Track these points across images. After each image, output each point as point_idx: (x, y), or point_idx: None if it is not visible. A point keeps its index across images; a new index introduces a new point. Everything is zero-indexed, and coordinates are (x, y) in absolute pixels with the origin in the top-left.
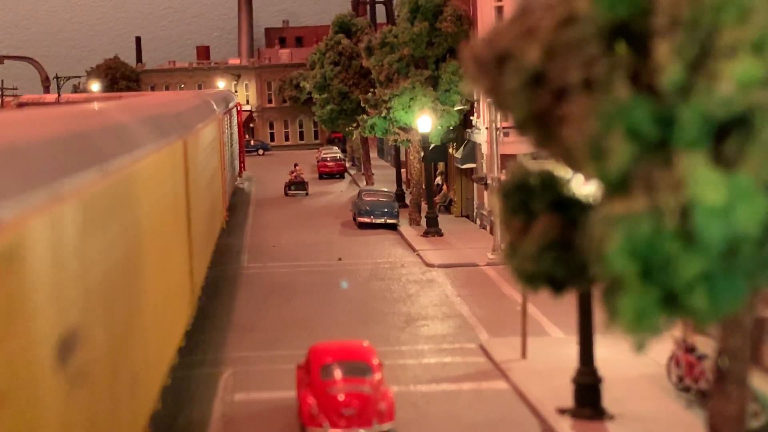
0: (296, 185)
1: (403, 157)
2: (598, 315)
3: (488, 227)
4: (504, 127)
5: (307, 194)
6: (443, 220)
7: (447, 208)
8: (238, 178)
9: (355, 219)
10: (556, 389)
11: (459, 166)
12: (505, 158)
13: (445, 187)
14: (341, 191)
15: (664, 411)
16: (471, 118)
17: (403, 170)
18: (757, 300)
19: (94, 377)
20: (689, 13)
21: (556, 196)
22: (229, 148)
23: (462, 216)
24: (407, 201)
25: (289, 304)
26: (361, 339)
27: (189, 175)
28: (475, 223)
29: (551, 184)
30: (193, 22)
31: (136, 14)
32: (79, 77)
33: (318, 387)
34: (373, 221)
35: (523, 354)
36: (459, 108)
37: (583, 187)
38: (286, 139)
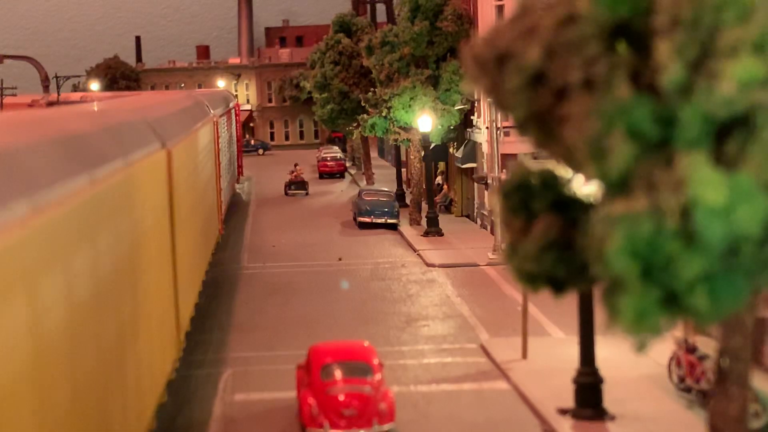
0: (296, 185)
1: (403, 157)
2: (599, 315)
3: (489, 227)
4: (504, 127)
5: (307, 194)
6: (443, 220)
7: (447, 208)
8: (237, 185)
9: (355, 219)
10: (557, 389)
11: (459, 165)
12: (506, 158)
13: (445, 186)
14: (341, 191)
15: (665, 411)
16: (471, 117)
17: (403, 170)
18: (758, 300)
19: None
20: (690, 13)
21: (556, 195)
22: (227, 153)
23: (462, 216)
24: (407, 201)
25: (289, 304)
26: (361, 339)
27: (174, 191)
28: (476, 222)
29: (552, 184)
30: (192, 21)
31: (136, 14)
32: (79, 77)
33: (318, 387)
34: (374, 221)
35: (524, 354)
36: (459, 107)
37: (584, 187)
38: (287, 138)
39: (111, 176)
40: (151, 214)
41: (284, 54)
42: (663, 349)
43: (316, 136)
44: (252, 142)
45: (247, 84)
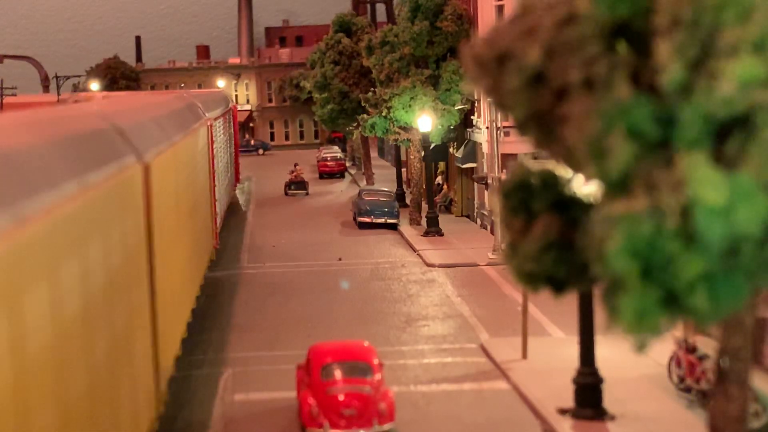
0: (296, 185)
1: (403, 157)
2: (599, 315)
3: (489, 227)
4: (504, 127)
5: (307, 194)
6: (444, 220)
7: (447, 208)
8: (237, 184)
9: (355, 219)
10: (557, 389)
11: (459, 165)
12: (506, 158)
13: (445, 186)
14: (341, 191)
15: (665, 411)
16: (471, 117)
17: (403, 170)
18: (758, 300)
19: None
20: (690, 13)
21: (556, 195)
22: (224, 158)
23: (462, 216)
24: (407, 201)
25: (289, 304)
26: (361, 339)
27: (153, 213)
28: (476, 222)
29: (552, 184)
30: (192, 21)
31: (135, 14)
32: (79, 77)
33: (318, 387)
34: (374, 221)
35: (524, 354)
36: (459, 107)
37: (584, 187)
38: (286, 138)
39: (56, 208)
40: (119, 248)
41: (284, 54)
42: (663, 349)
43: (316, 136)
44: (252, 142)
45: (247, 84)
